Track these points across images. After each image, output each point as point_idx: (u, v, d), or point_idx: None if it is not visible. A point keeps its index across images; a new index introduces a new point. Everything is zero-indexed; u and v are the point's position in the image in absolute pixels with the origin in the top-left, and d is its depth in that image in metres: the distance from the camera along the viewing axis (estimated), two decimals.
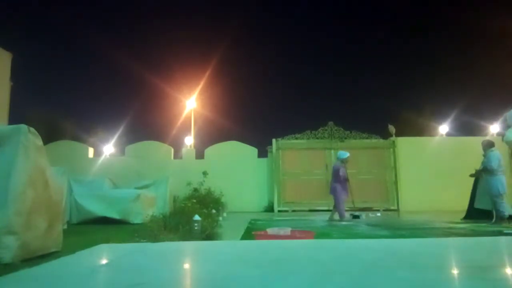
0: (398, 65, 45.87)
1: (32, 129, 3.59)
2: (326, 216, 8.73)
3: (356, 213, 8.79)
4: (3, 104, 13.12)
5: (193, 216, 4.72)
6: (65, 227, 5.71)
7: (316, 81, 49.38)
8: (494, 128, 17.64)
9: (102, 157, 13.77)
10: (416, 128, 22.20)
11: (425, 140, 14.06)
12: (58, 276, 1.64)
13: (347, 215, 8.36)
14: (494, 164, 6.97)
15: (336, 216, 8.27)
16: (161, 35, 48.15)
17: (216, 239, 4.78)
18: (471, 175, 7.72)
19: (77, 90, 42.54)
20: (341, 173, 8.26)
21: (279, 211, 12.42)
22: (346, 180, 8.33)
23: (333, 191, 8.39)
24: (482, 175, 7.35)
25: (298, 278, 1.48)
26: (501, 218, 6.87)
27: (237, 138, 13.94)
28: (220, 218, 8.06)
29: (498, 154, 7.13)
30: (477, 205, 7.90)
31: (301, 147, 13.20)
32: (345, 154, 8.54)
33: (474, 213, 7.94)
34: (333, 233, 5.78)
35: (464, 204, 8.35)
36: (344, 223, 7.64)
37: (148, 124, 41.28)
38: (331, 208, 10.43)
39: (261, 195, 13.00)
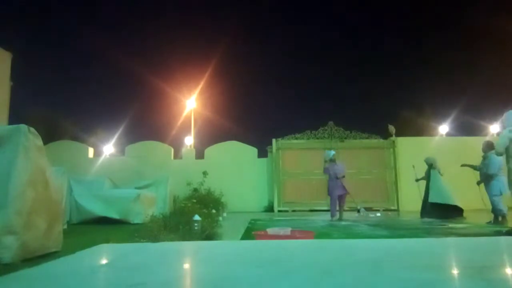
0: (398, 65, 45.87)
1: (32, 129, 3.59)
2: (326, 216, 8.73)
3: (358, 207, 9.06)
4: (3, 104, 13.11)
5: (193, 216, 4.72)
6: (65, 227, 5.71)
7: (316, 81, 49.41)
8: (494, 128, 17.63)
9: (102, 157, 13.77)
10: (416, 128, 22.21)
11: (425, 140, 14.05)
12: (58, 276, 1.64)
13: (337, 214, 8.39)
14: (493, 169, 7.00)
15: (343, 215, 8.35)
16: (161, 34, 48.17)
17: (216, 239, 4.78)
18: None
19: (77, 90, 42.55)
20: (326, 172, 8.40)
21: (279, 211, 12.42)
22: (337, 178, 8.29)
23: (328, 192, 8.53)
24: (486, 178, 7.31)
25: (298, 278, 1.48)
26: (502, 217, 6.88)
27: (237, 138, 13.96)
28: (220, 218, 8.06)
29: (498, 157, 7.12)
30: (431, 199, 8.42)
31: (301, 147, 13.20)
32: (330, 153, 8.60)
33: (429, 208, 8.43)
34: (333, 233, 5.78)
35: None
36: (334, 222, 7.68)
37: (148, 124, 41.33)
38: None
39: (261, 195, 13.00)
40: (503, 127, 6.96)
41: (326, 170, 8.51)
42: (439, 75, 42.83)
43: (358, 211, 9.13)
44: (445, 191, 8.39)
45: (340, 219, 8.18)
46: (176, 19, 50.97)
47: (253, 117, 47.74)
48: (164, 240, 3.60)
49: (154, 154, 13.05)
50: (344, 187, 8.28)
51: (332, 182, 8.33)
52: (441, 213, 8.09)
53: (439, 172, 8.69)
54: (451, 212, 8.10)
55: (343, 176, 8.34)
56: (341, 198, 8.36)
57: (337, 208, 8.40)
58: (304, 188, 12.79)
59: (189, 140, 19.64)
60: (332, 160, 8.49)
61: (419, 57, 44.72)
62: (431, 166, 8.80)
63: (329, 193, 8.42)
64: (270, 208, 12.64)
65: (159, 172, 11.26)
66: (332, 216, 8.29)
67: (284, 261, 1.93)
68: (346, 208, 8.79)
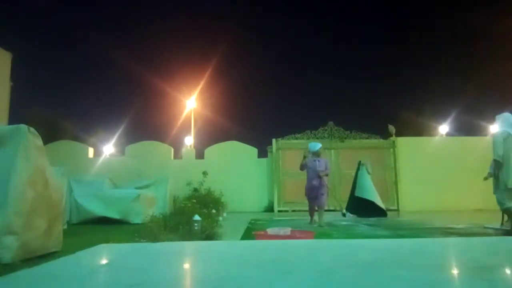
0: (398, 65, 45.88)
1: (32, 129, 3.59)
2: (327, 216, 8.65)
3: (343, 211, 8.53)
4: (3, 104, 13.12)
5: (193, 216, 4.72)
6: (65, 227, 5.72)
7: (316, 81, 49.41)
8: (494, 128, 17.64)
9: (102, 157, 13.78)
10: (416, 128, 22.20)
11: (425, 140, 14.06)
12: (58, 276, 1.64)
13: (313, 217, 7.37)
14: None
15: (325, 218, 7.30)
16: (161, 35, 48.17)
17: (216, 239, 4.78)
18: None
19: (77, 90, 42.55)
20: (303, 169, 7.38)
21: (279, 211, 12.42)
22: (314, 175, 7.22)
23: None
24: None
25: (298, 278, 1.48)
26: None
27: (237, 138, 13.96)
28: (220, 218, 8.05)
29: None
30: (357, 193, 8.90)
31: (301, 147, 13.14)
32: (315, 145, 7.44)
33: (355, 202, 8.88)
34: (333, 233, 5.78)
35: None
36: (315, 225, 6.93)
37: (148, 124, 41.34)
38: (331, 208, 10.21)
39: (261, 195, 12.99)
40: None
41: (302, 167, 7.35)
42: (439, 75, 42.85)
43: (344, 215, 8.29)
44: (370, 188, 8.85)
45: (320, 225, 6.80)
46: (176, 18, 51.01)
47: (253, 117, 47.77)
48: (164, 240, 3.60)
49: (154, 154, 13.05)
50: (320, 187, 7.10)
51: (308, 180, 7.27)
52: (365, 211, 8.57)
53: (368, 171, 9.10)
54: (375, 212, 8.59)
55: (326, 175, 7.24)
56: (315, 200, 7.14)
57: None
58: (304, 188, 12.75)
59: (189, 140, 19.65)
60: (316, 155, 7.35)
61: (419, 57, 44.75)
62: (360, 163, 9.25)
63: (305, 193, 7.37)
64: (270, 208, 12.64)
65: (159, 172, 11.25)
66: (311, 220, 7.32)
67: (284, 261, 1.93)
68: (338, 209, 8.59)
